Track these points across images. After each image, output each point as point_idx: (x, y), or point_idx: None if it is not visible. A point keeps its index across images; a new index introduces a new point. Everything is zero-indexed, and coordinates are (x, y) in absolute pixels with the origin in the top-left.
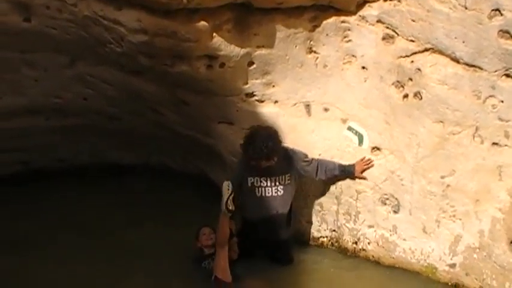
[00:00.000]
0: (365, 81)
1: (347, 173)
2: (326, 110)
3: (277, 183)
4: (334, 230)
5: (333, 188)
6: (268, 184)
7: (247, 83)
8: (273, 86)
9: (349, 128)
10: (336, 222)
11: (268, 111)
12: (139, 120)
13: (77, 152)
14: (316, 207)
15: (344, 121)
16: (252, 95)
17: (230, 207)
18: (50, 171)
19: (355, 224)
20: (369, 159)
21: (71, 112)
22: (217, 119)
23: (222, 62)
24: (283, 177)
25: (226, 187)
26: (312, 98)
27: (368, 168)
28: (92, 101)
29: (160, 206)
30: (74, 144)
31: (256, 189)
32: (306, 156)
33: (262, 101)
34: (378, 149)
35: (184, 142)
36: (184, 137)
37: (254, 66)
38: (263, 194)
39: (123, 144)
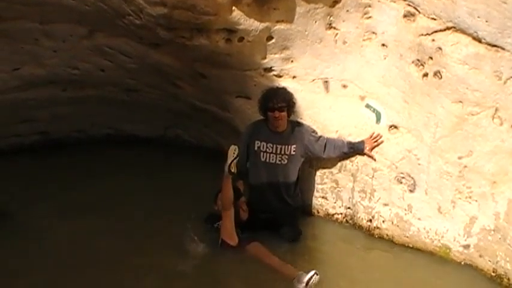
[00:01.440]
0: (384, 58)
1: (356, 149)
2: (344, 86)
3: (283, 152)
4: (349, 207)
5: (349, 165)
6: (274, 151)
7: (265, 58)
8: (292, 61)
9: (367, 106)
10: (351, 199)
11: (286, 86)
12: (156, 93)
13: (94, 123)
14: (332, 184)
15: (362, 98)
16: (270, 69)
17: (233, 170)
18: (68, 141)
19: (370, 202)
20: (378, 135)
21: (89, 83)
22: (235, 93)
23: (240, 36)
24: (289, 147)
25: (232, 150)
26: (331, 75)
27: (378, 145)
28: (110, 73)
29: (176, 177)
30: (91, 116)
31: (262, 153)
32: (314, 131)
33: (280, 76)
34: (396, 127)
35: (201, 116)
36: (202, 111)
37: (273, 41)
38: (267, 160)
39: (140, 117)
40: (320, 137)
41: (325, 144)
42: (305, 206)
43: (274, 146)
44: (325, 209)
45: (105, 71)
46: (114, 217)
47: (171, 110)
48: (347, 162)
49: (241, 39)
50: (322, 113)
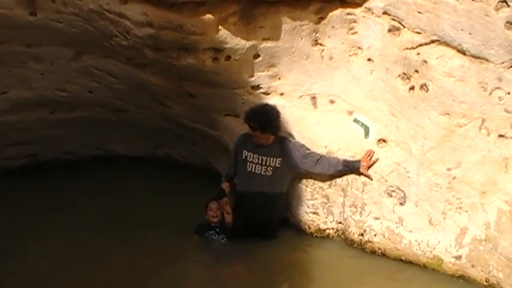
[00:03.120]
0: (371, 73)
1: (351, 168)
2: (332, 102)
3: (267, 164)
4: (340, 222)
5: (339, 180)
6: (259, 162)
7: (253, 76)
8: (279, 78)
9: (355, 120)
10: (342, 214)
11: (274, 103)
12: (145, 112)
13: (83, 144)
14: (323, 200)
15: (350, 113)
16: (258, 87)
17: None
18: (58, 163)
19: (361, 216)
20: (372, 151)
21: (77, 105)
22: (224, 111)
23: (227, 55)
24: (274, 160)
25: None
26: (318, 90)
27: (374, 163)
28: (98, 94)
29: (167, 194)
30: (80, 137)
31: (248, 163)
32: (304, 146)
33: (268, 94)
34: (384, 141)
35: (191, 134)
36: (191, 129)
37: (260, 58)
38: (252, 170)
39: (129, 137)
40: (311, 152)
41: (319, 160)
42: (296, 222)
43: (260, 157)
44: (317, 224)
45: (93, 92)
46: (107, 236)
47: (159, 129)
48: (337, 177)
49: (228, 57)
50: (311, 128)
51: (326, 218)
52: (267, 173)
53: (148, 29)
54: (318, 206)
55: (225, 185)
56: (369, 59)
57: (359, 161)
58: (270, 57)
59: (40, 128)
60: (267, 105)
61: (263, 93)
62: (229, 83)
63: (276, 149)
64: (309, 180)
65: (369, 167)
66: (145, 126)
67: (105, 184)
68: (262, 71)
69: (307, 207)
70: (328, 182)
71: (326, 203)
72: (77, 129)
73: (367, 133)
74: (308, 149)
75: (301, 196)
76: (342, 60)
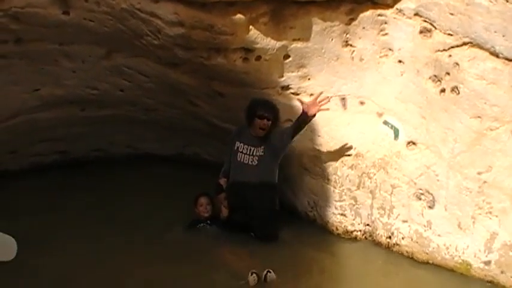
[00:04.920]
0: (401, 75)
1: (302, 120)
2: (362, 103)
3: (254, 153)
4: (368, 224)
5: (367, 182)
6: (247, 152)
7: (282, 76)
8: (309, 79)
9: (385, 122)
10: (370, 216)
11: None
12: (174, 111)
13: (113, 142)
14: (351, 201)
15: (380, 115)
16: (287, 87)
17: None
18: (88, 160)
19: (389, 219)
20: (323, 98)
21: (107, 103)
22: None
23: (258, 55)
24: (259, 149)
25: None
26: (348, 92)
27: (319, 107)
28: (128, 93)
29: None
30: (109, 135)
31: (239, 154)
32: (282, 128)
33: (298, 94)
34: (414, 143)
35: (220, 134)
36: (220, 129)
37: (290, 59)
38: (241, 160)
39: (158, 135)
40: (284, 128)
41: (282, 133)
42: (323, 223)
43: (249, 147)
44: (344, 226)
45: (123, 90)
46: (138, 234)
47: (188, 128)
48: (365, 179)
49: (258, 58)
50: (340, 129)
51: (354, 219)
52: (253, 162)
53: (179, 29)
54: (346, 207)
55: (223, 181)
56: (400, 61)
57: (303, 111)
58: (300, 57)
59: (70, 125)
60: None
61: (293, 93)
62: (259, 83)
63: (262, 138)
64: (337, 181)
65: (317, 110)
66: (174, 125)
67: (132, 183)
68: (292, 72)
69: (335, 208)
70: (356, 184)
71: (354, 205)
72: (106, 127)
73: (396, 135)
74: (282, 128)
75: (329, 197)
76: (372, 61)
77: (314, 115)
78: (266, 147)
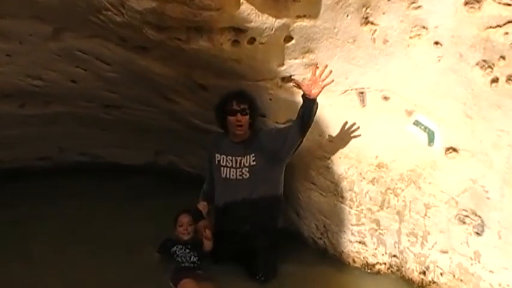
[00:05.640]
0: (439, 61)
1: (306, 108)
2: (386, 98)
3: (242, 165)
4: (394, 255)
5: (393, 200)
6: (233, 165)
7: (283, 64)
8: (317, 67)
9: (416, 123)
10: (397, 244)
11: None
12: (144, 109)
13: (64, 149)
14: (372, 225)
15: (409, 113)
16: (289, 79)
17: None
18: (29, 171)
19: (422, 248)
20: (315, 73)
21: (55, 98)
22: None
23: (251, 37)
24: (247, 158)
25: None
26: (368, 84)
27: (325, 85)
28: (83, 84)
29: (165, 214)
30: (59, 139)
31: (222, 168)
32: (274, 127)
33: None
34: (455, 150)
35: (203, 138)
36: (203, 132)
37: (293, 42)
38: (227, 176)
39: (123, 140)
40: (283, 127)
41: (291, 126)
42: (336, 253)
43: (234, 158)
44: (364, 257)
45: (76, 81)
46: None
47: (163, 131)
48: (391, 196)
49: (251, 40)
50: (357, 132)
51: (376, 249)
52: (244, 176)
53: (150, 2)
54: (366, 233)
55: (202, 205)
56: (437, 42)
57: (304, 95)
58: (305, 40)
59: (5, 126)
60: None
61: (295, 87)
62: (253, 73)
63: (248, 144)
64: (354, 199)
65: (321, 89)
66: (144, 127)
67: (90, 198)
68: (296, 58)
69: (352, 234)
70: (379, 202)
71: (376, 230)
72: (55, 128)
73: (431, 139)
74: (280, 127)
75: (344, 220)
76: (399, 44)
77: (317, 96)
78: (256, 153)
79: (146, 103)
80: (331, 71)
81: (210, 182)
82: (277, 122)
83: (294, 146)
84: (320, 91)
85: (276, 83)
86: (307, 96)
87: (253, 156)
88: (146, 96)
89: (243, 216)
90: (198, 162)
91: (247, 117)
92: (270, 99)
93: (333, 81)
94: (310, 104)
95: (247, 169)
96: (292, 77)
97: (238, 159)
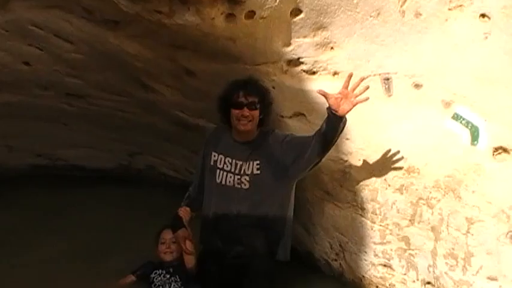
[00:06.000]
0: (486, 38)
1: (332, 123)
2: (417, 86)
3: (242, 171)
4: (429, 282)
5: (427, 213)
6: (232, 169)
7: (290, 44)
8: (332, 47)
9: (456, 117)
10: (432, 269)
11: (322, 88)
12: (116, 100)
13: (13, 149)
14: (399, 244)
15: (447, 105)
16: (297, 62)
17: None
18: None
19: (464, 274)
20: (347, 86)
21: (2, 84)
22: None
23: (250, 10)
24: (251, 164)
25: None
26: (395, 68)
27: (354, 100)
28: (39, 67)
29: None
30: (6, 136)
31: (218, 172)
32: (288, 136)
33: (314, 73)
34: (505, 150)
35: (190, 136)
36: (190, 129)
37: (301, 16)
38: (223, 181)
39: (90, 139)
40: (300, 137)
41: (311, 142)
42: (355, 278)
43: (234, 161)
44: (390, 284)
45: (30, 64)
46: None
47: (139, 128)
48: (424, 208)
49: (250, 14)
50: (382, 129)
51: (405, 274)
52: (242, 185)
53: None
54: (392, 254)
55: (184, 211)
56: (483, 15)
57: (330, 109)
58: (317, 13)
59: None
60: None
61: (305, 71)
62: (252, 55)
63: (255, 147)
64: (378, 212)
65: (353, 105)
66: (115, 123)
67: (47, 209)
68: (305, 37)
69: (375, 255)
70: (408, 215)
71: (405, 250)
72: (2, 123)
73: (475, 137)
74: (295, 136)
75: (365, 238)
76: (435, 17)
77: (346, 113)
78: (263, 160)
79: (118, 92)
80: (367, 87)
81: (199, 184)
82: (282, 116)
83: (309, 166)
84: (351, 108)
85: (281, 67)
86: (334, 111)
87: (257, 164)
88: (118, 84)
89: (235, 235)
90: (184, 165)
91: (256, 112)
92: (273, 88)
93: (367, 99)
94: (336, 121)
95: (247, 178)
96: (301, 60)
97: (239, 163)
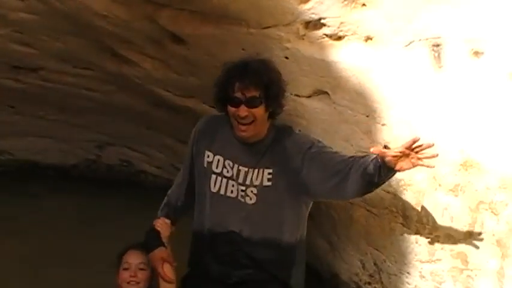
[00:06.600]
0: None
1: (380, 171)
2: (477, 54)
3: (249, 181)
4: None
5: (490, 221)
6: (234, 176)
7: (307, 1)
8: (363, 4)
9: None
10: None
11: (351, 59)
12: (79, 75)
13: None
14: (454, 261)
15: None
16: (318, 24)
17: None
18: None
19: None
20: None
21: None
22: None
23: None
24: (260, 172)
25: None
26: (447, 30)
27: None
28: None
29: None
30: None
31: (214, 177)
32: (316, 145)
33: (340, 38)
34: None
35: (177, 122)
36: (177, 112)
37: None
38: (222, 190)
39: (45, 126)
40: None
41: (348, 166)
42: None
43: (236, 167)
44: None
45: None
46: None
47: (110, 112)
48: (486, 214)
49: None
50: (429, 110)
51: None
52: (248, 199)
53: None
54: (444, 275)
55: (162, 223)
56: None
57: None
58: None
59: None
60: (260, 58)
61: (328, 36)
62: (258, 15)
63: (268, 150)
64: (425, 221)
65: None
66: (79, 105)
67: None
68: None
69: (421, 276)
70: (466, 226)
71: (462, 271)
72: None
73: None
74: (324, 147)
75: (407, 254)
76: None
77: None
78: (276, 168)
79: (82, 64)
80: (436, 155)
81: (185, 189)
82: (297, 96)
83: (334, 198)
84: (411, 168)
85: (296, 31)
86: (388, 164)
87: (269, 173)
88: (82, 53)
89: (237, 256)
90: (169, 160)
91: (259, 110)
92: (286, 58)
93: (433, 167)
94: (386, 173)
95: (255, 190)
96: (322, 21)
97: (244, 170)
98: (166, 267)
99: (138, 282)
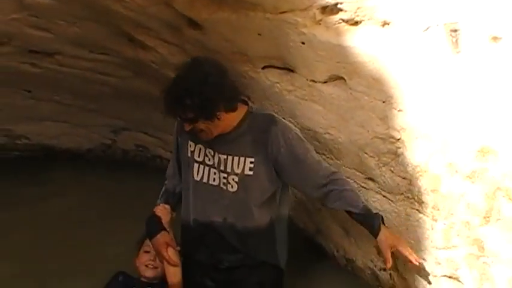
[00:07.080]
0: None
1: (367, 223)
2: (495, 39)
3: (229, 169)
4: None
5: (507, 208)
6: (215, 164)
7: None
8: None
9: None
10: None
11: (367, 44)
12: (95, 59)
13: None
14: (470, 249)
15: None
16: (334, 9)
17: None
18: None
19: None
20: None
21: None
22: (261, 59)
23: None
24: (242, 160)
25: None
26: (464, 16)
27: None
28: None
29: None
30: None
31: (196, 166)
32: (294, 137)
33: (357, 23)
34: None
35: None
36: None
37: None
38: (204, 178)
39: (63, 110)
40: (320, 160)
41: (328, 176)
42: None
43: (217, 155)
44: None
45: None
46: None
47: (126, 97)
48: (502, 202)
49: None
50: (446, 96)
51: None
52: (229, 186)
53: None
54: (460, 262)
55: (162, 209)
56: None
57: (378, 225)
58: None
59: None
60: (196, 64)
61: (345, 21)
62: (274, 0)
63: (246, 137)
64: (440, 206)
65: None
66: (95, 89)
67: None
68: None
69: (437, 263)
70: (483, 213)
71: (478, 257)
72: None
73: None
74: (307, 147)
75: (423, 241)
76: None
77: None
78: (258, 157)
79: (99, 49)
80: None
81: (175, 177)
82: (313, 81)
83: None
84: (386, 250)
85: (313, 16)
86: (377, 232)
87: (252, 162)
88: (98, 37)
89: (226, 242)
90: None
91: (200, 123)
92: (303, 43)
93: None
94: (366, 224)
95: (236, 178)
96: (339, 5)
97: (223, 157)
98: (171, 251)
99: (156, 267)
